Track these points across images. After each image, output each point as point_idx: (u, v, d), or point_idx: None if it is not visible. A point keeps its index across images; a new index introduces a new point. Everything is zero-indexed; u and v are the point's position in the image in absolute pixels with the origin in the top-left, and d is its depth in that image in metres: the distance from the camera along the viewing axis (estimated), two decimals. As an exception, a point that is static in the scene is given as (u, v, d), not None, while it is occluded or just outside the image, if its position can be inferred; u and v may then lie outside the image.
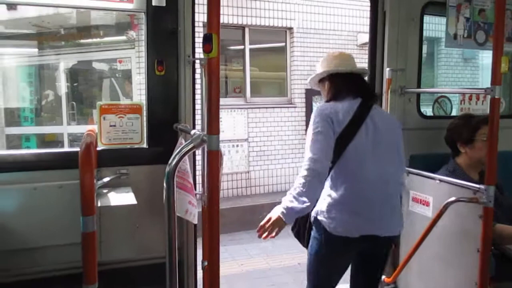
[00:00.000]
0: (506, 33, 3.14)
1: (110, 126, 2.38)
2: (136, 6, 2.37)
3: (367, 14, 3.08)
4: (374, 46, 2.90)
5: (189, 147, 1.74)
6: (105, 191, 2.28)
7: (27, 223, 2.17)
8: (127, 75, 6.54)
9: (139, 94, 5.97)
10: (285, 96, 7.45)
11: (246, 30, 7.11)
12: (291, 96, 7.44)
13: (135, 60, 6.28)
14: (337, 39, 7.52)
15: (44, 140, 6.62)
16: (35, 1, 2.21)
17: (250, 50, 7.19)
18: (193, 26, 2.45)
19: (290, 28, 7.34)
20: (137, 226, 2.16)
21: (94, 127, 2.37)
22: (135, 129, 2.42)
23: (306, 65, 7.33)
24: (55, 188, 2.21)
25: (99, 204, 2.08)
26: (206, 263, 2.24)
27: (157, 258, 2.33)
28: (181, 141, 2.34)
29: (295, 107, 7.33)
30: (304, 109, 7.35)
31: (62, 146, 6.34)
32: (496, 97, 2.10)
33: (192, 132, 2.05)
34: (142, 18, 2.43)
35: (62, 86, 6.62)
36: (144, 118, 2.44)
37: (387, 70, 2.82)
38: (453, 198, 2.25)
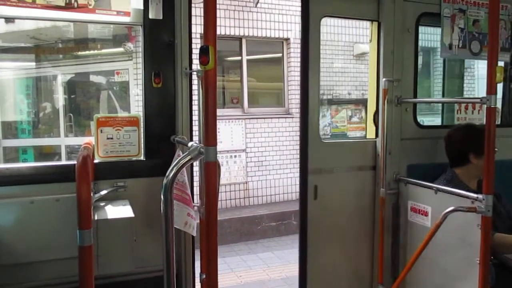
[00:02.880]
0: (500, 43, 3.17)
1: (107, 138, 2.37)
2: (133, 20, 2.38)
3: (364, 24, 3.11)
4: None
5: (187, 159, 1.73)
6: (102, 204, 2.26)
7: (24, 237, 2.15)
8: (124, 87, 6.56)
9: (136, 105, 5.99)
10: (283, 106, 7.49)
11: (243, 41, 7.17)
12: (288, 106, 7.48)
13: (132, 72, 6.30)
14: (334, 50, 7.59)
15: (41, 152, 6.60)
16: (35, 15, 2.21)
17: (247, 61, 7.23)
18: (190, 38, 2.47)
19: (287, 39, 7.39)
20: (135, 239, 2.15)
21: (91, 140, 2.36)
22: (132, 141, 2.42)
23: (303, 75, 7.41)
24: (52, 201, 2.20)
25: (96, 217, 2.07)
26: (204, 276, 2.23)
27: (155, 271, 2.32)
28: (179, 153, 2.34)
29: (292, 117, 7.35)
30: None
31: (60, 158, 6.33)
32: (492, 106, 2.11)
33: (190, 144, 2.05)
34: (139, 31, 2.44)
35: (60, 98, 6.63)
36: (142, 131, 2.44)
37: (383, 81, 2.84)
38: (451, 208, 2.25)
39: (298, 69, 7.81)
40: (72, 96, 6.77)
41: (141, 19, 2.40)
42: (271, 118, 7.22)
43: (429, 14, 2.98)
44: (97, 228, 2.02)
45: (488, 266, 2.19)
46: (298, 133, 7.55)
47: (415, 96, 2.99)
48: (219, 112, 6.84)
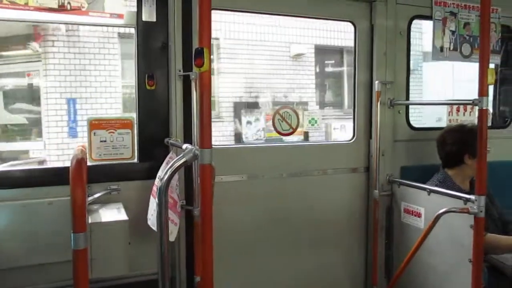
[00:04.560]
0: (490, 45, 3.20)
1: (101, 141, 2.36)
2: (126, 22, 2.38)
3: (303, 24, 3.07)
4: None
5: (181, 161, 1.73)
6: (95, 207, 2.25)
7: (16, 241, 2.13)
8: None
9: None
10: (213, 110, 7.42)
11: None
12: (219, 110, 7.38)
13: (43, 73, 6.05)
14: (267, 50, 7.40)
15: None
16: (27, 17, 2.19)
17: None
18: (184, 41, 2.46)
19: (217, 39, 7.22)
20: (129, 243, 2.13)
21: (85, 143, 2.35)
22: (125, 144, 2.40)
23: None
24: (45, 205, 2.18)
25: (89, 221, 2.05)
26: (199, 279, 2.22)
27: (149, 274, 2.30)
28: (172, 156, 2.33)
29: (223, 121, 7.28)
30: (232, 123, 7.33)
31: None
32: (483, 108, 2.13)
33: (184, 146, 2.04)
34: (133, 33, 2.43)
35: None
36: (135, 133, 2.43)
37: (376, 83, 2.85)
38: (444, 209, 2.26)
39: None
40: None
41: (135, 21, 2.39)
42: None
43: (421, 16, 3.01)
44: (90, 232, 2.01)
45: (481, 267, 2.21)
46: (229, 137, 7.50)
47: (407, 98, 3.01)
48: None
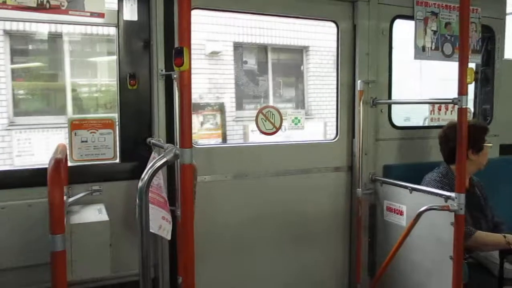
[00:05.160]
0: (471, 45, 3.25)
1: (82, 141, 2.34)
2: (107, 21, 2.35)
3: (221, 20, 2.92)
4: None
5: (162, 161, 1.71)
6: (76, 208, 2.22)
7: None
8: None
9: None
10: None
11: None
12: None
13: None
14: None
15: None
16: (5, 16, 2.15)
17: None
18: (166, 40, 2.44)
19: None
20: (111, 244, 2.11)
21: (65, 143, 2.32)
22: (107, 144, 2.38)
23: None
24: (24, 206, 2.15)
25: (70, 222, 2.03)
26: (181, 279, 2.21)
27: (131, 275, 2.29)
28: (154, 156, 2.31)
29: None
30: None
31: None
32: (463, 106, 2.16)
33: (165, 146, 2.03)
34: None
35: None
36: (117, 133, 2.41)
37: (358, 82, 2.87)
38: (425, 207, 2.29)
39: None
40: None
41: (116, 20, 2.37)
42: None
43: (403, 16, 3.03)
44: (71, 233, 1.98)
45: (461, 263, 2.24)
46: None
47: (389, 98, 3.04)
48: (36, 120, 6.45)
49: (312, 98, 9.00)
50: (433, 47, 3.12)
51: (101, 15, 2.32)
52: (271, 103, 8.73)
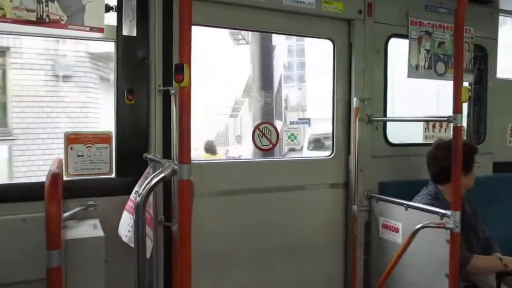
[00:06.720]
0: (464, 64, 3.30)
1: (78, 156, 2.32)
2: (106, 36, 2.36)
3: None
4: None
5: (160, 177, 1.71)
6: (71, 223, 2.20)
7: None
8: None
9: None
10: None
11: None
12: None
13: None
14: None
15: None
16: (4, 29, 2.15)
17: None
18: (164, 56, 2.46)
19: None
20: (106, 260, 2.09)
21: (61, 157, 2.30)
22: (103, 159, 2.37)
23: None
24: (18, 221, 2.12)
25: (65, 237, 2.00)
26: (177, 296, 2.18)
27: None
28: (149, 171, 2.30)
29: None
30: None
31: None
32: (458, 125, 2.18)
33: (163, 161, 2.02)
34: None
35: None
36: (113, 148, 2.40)
37: (354, 100, 2.90)
38: (421, 225, 2.30)
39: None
40: None
41: (115, 35, 2.38)
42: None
43: (398, 35, 3.08)
44: (66, 249, 1.96)
45: (457, 281, 2.24)
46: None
47: (385, 115, 3.07)
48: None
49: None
50: (426, 66, 3.18)
51: (100, 30, 2.33)
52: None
